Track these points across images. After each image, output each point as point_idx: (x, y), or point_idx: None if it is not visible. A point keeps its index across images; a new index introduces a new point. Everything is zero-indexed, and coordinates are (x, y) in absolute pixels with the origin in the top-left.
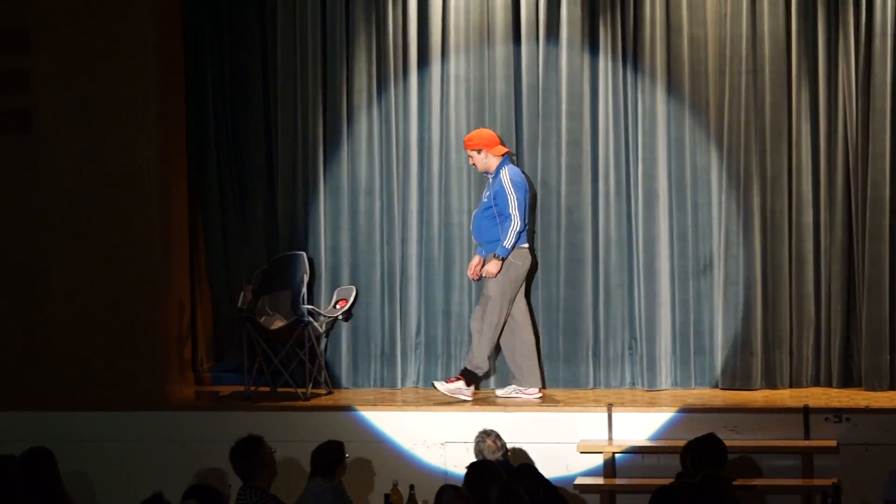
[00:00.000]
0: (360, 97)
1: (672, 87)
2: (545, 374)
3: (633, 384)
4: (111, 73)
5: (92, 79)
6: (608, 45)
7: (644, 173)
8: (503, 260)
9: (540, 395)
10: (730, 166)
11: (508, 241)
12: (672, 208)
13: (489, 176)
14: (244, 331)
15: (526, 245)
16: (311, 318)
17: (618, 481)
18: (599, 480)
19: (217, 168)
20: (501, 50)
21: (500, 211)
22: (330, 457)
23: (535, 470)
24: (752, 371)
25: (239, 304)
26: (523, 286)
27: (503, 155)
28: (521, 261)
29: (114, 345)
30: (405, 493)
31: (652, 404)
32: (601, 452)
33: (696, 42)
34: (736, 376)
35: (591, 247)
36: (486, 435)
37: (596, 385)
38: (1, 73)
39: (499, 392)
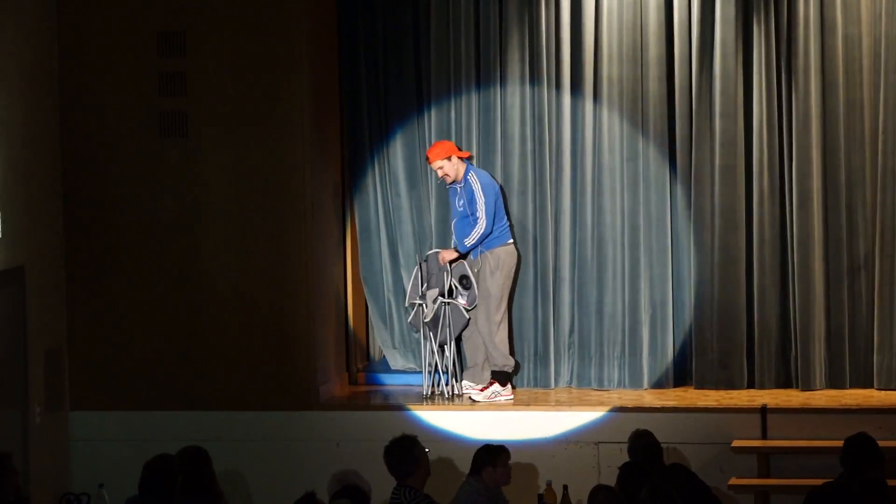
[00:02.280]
0: (514, 98)
1: (826, 87)
2: (698, 374)
3: (787, 384)
4: (265, 71)
5: (246, 78)
6: (762, 45)
7: (798, 173)
8: (460, 255)
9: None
10: (885, 166)
11: (470, 241)
12: (826, 208)
13: (458, 185)
14: (427, 327)
15: (511, 241)
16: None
17: (772, 481)
18: (753, 481)
19: (370, 166)
20: (654, 50)
21: (472, 212)
22: (481, 458)
23: (688, 470)
24: None
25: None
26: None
27: (468, 159)
28: (510, 257)
29: (269, 345)
30: (559, 492)
31: (806, 404)
32: (755, 453)
33: (851, 41)
34: (892, 377)
35: (744, 247)
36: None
37: (750, 385)
38: (159, 76)
39: (474, 397)
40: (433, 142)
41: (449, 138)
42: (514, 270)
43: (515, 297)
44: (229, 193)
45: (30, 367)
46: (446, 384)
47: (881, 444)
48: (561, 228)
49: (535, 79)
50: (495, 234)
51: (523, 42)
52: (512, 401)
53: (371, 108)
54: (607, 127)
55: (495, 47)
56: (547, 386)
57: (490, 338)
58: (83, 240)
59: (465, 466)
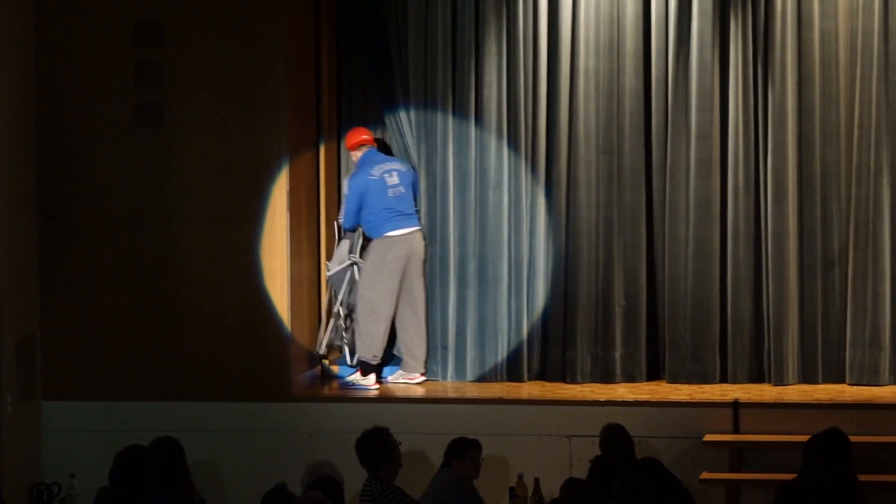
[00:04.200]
0: (490, 90)
1: (802, 81)
2: (671, 368)
3: (759, 379)
4: (243, 62)
5: (224, 69)
6: (738, 39)
7: (773, 167)
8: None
9: (422, 379)
10: (860, 160)
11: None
12: (801, 202)
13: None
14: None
15: (389, 233)
16: None
17: (743, 476)
18: (725, 475)
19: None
20: (631, 43)
21: None
22: (452, 451)
23: (659, 463)
24: (880, 366)
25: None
26: (409, 275)
27: (371, 146)
28: (381, 250)
29: (243, 336)
30: (530, 485)
31: (779, 399)
32: (727, 447)
33: (827, 35)
34: (864, 372)
35: (719, 241)
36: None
37: (723, 379)
38: (136, 66)
39: (389, 378)
40: (410, 135)
41: (425, 130)
42: (389, 264)
43: (489, 289)
44: (206, 184)
45: (2, 356)
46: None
47: (853, 439)
48: (535, 221)
49: (511, 71)
50: (367, 227)
51: (500, 35)
52: (377, 391)
53: (350, 101)
54: (583, 120)
55: (472, 40)
56: (519, 379)
57: (359, 325)
58: (58, 229)
59: (437, 459)
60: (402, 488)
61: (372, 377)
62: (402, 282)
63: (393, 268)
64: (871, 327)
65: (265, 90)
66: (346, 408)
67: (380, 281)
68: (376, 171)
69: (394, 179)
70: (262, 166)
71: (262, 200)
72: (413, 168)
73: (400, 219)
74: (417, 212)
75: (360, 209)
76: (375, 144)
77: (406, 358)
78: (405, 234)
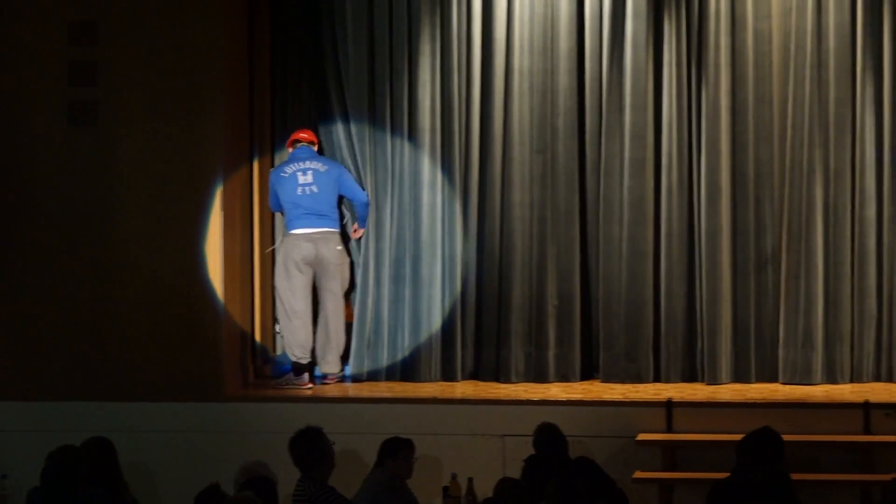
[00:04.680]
0: (424, 90)
1: (736, 81)
2: (605, 367)
3: (693, 378)
4: (179, 62)
5: (159, 68)
6: (673, 39)
7: (707, 166)
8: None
9: (310, 385)
10: (793, 160)
11: None
12: (734, 202)
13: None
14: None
15: (291, 232)
16: None
17: (676, 475)
18: (658, 474)
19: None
20: (565, 43)
21: None
22: (385, 450)
23: (594, 463)
24: (812, 366)
25: None
26: (320, 276)
27: (306, 142)
28: (287, 248)
29: (178, 337)
30: (464, 485)
31: (712, 398)
32: (660, 446)
33: (761, 35)
34: (796, 371)
35: (653, 240)
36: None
37: (656, 379)
38: (69, 65)
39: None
40: (345, 136)
41: (360, 131)
42: (293, 262)
43: (423, 289)
44: (141, 183)
45: None
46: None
47: (785, 438)
48: (469, 220)
49: (445, 71)
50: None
51: (434, 34)
52: (310, 391)
53: (280, 102)
54: (517, 119)
55: (405, 39)
56: (453, 378)
57: (278, 323)
58: None
59: (370, 459)
60: (336, 488)
61: (305, 376)
62: (316, 281)
63: (298, 266)
64: (804, 326)
65: (201, 90)
66: (280, 408)
67: (287, 278)
68: (290, 168)
69: (307, 178)
70: (198, 166)
71: (197, 200)
72: (347, 170)
73: (308, 218)
74: (366, 204)
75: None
76: (312, 144)
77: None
78: (309, 234)
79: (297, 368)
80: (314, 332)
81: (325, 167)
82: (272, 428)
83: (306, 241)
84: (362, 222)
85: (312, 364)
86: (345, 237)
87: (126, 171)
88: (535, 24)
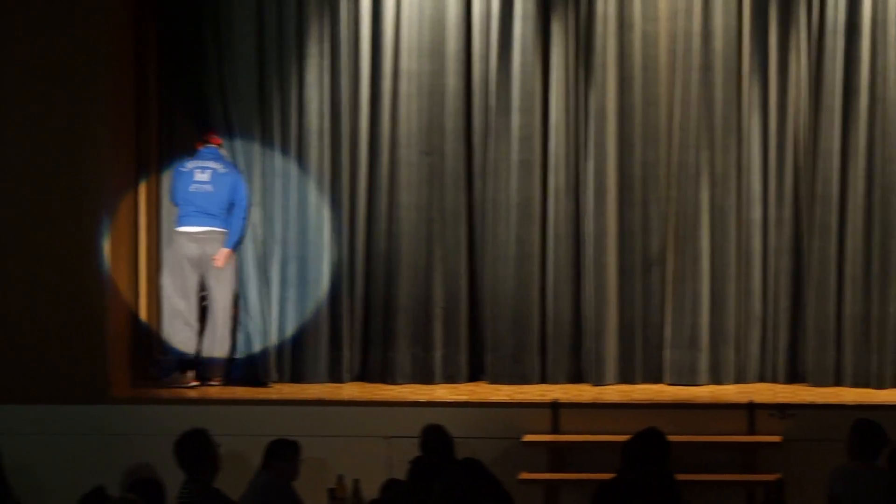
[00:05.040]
0: (312, 91)
1: (624, 83)
2: (491, 369)
3: (579, 379)
4: (61, 63)
5: (40, 70)
6: (560, 41)
7: (595, 169)
8: None
9: (195, 383)
10: (680, 162)
11: None
12: (621, 204)
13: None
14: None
15: (182, 228)
16: None
17: (562, 476)
18: (544, 475)
19: (165, 164)
20: (453, 45)
21: None
22: (271, 452)
23: (480, 464)
24: (697, 367)
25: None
26: (206, 276)
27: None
28: (174, 245)
29: (61, 338)
30: (350, 486)
31: (598, 399)
32: (546, 447)
33: (649, 38)
34: (682, 372)
35: (539, 242)
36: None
37: (542, 380)
38: None
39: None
40: (233, 137)
41: (250, 131)
42: (177, 259)
43: (310, 291)
44: (23, 185)
45: None
46: None
47: (671, 438)
48: (357, 222)
49: (334, 73)
50: None
51: (321, 35)
52: (194, 388)
53: (165, 106)
54: (405, 121)
55: (294, 41)
56: (340, 380)
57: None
58: None
59: (256, 461)
60: (221, 490)
61: (189, 374)
62: (203, 281)
63: (181, 264)
64: (690, 328)
65: (85, 92)
66: (167, 410)
67: (171, 276)
68: (190, 164)
69: (203, 176)
70: (81, 168)
71: (80, 202)
72: (244, 181)
73: (196, 216)
74: (243, 219)
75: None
76: (220, 147)
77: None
78: (193, 233)
79: (181, 367)
80: (201, 332)
81: (225, 170)
82: (158, 430)
83: (191, 241)
84: (233, 238)
85: (198, 363)
86: None
87: (7, 172)
88: (423, 25)
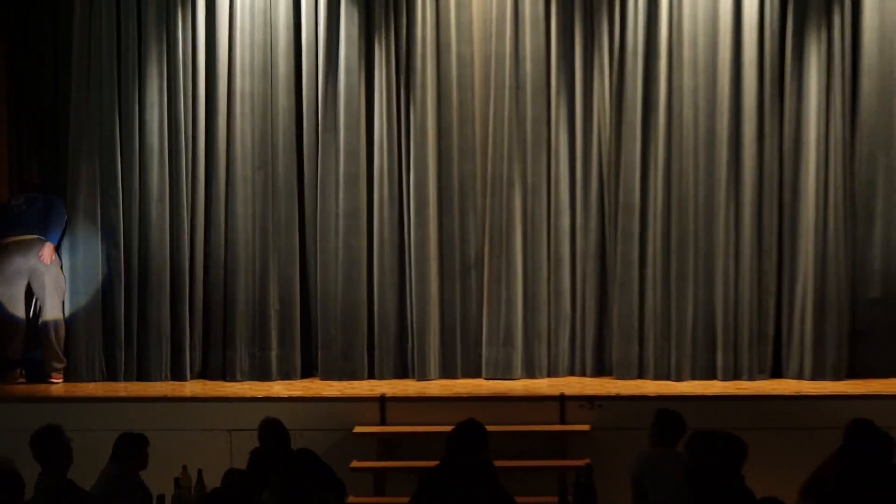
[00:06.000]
0: (153, 110)
1: (441, 101)
2: (323, 366)
3: (404, 375)
4: None
5: None
6: (383, 63)
7: (416, 181)
8: None
9: (22, 380)
10: (494, 174)
11: None
12: (441, 213)
13: None
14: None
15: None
16: None
17: (389, 464)
18: (373, 463)
19: (12, 173)
20: (284, 67)
21: None
22: (123, 446)
23: (314, 454)
24: (513, 362)
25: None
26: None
27: None
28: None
29: None
30: (194, 476)
31: (422, 393)
32: (375, 438)
33: (464, 60)
34: (498, 367)
35: (366, 249)
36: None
37: (371, 376)
38: None
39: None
40: (80, 153)
41: (89, 150)
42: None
43: (153, 296)
44: None
45: None
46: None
47: (489, 428)
48: (196, 232)
49: (172, 93)
50: None
51: (161, 58)
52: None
53: (11, 115)
54: (240, 138)
55: (134, 61)
56: (182, 378)
57: None
58: None
59: (106, 453)
60: (74, 481)
61: (17, 372)
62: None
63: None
64: (505, 327)
65: None
66: (22, 407)
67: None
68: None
69: (19, 200)
70: None
71: None
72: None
73: (19, 227)
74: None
75: None
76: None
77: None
78: (18, 241)
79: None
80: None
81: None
82: (14, 426)
83: (17, 250)
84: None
85: (29, 361)
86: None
87: None
88: (255, 49)
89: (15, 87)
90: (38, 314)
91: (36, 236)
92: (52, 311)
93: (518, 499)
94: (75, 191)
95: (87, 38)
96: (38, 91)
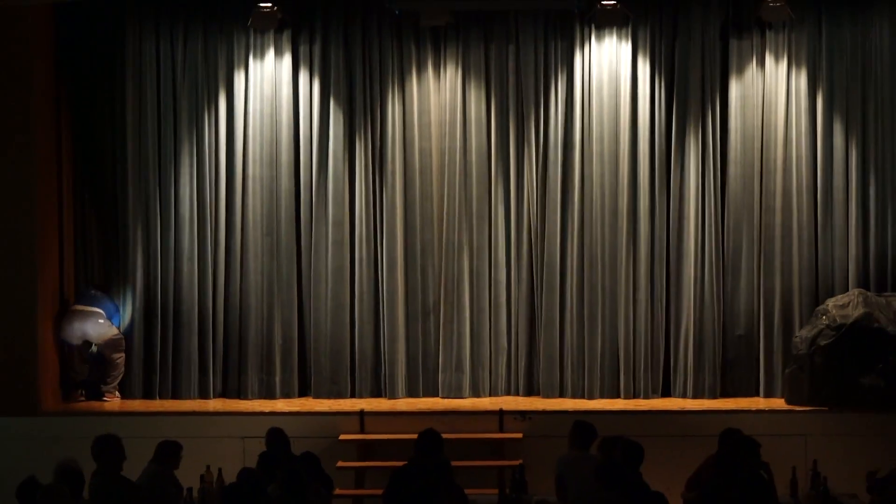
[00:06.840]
0: (185, 189)
1: (407, 183)
2: (316, 387)
3: (378, 394)
4: None
5: None
6: (362, 153)
7: (387, 244)
8: None
9: (83, 398)
10: (448, 240)
11: None
12: (407, 270)
13: None
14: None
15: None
16: None
17: (368, 463)
18: (355, 463)
19: (76, 207)
20: (286, 157)
21: None
22: (161, 450)
23: (316, 457)
24: (462, 384)
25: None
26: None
27: None
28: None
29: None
30: (215, 473)
31: (392, 409)
32: (356, 443)
33: (424, 152)
34: (451, 388)
35: (349, 297)
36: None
37: (353, 395)
38: None
39: None
40: (129, 221)
41: (134, 218)
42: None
43: (184, 329)
44: None
45: None
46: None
47: (445, 436)
48: (218, 282)
49: (200, 175)
50: None
51: (192, 147)
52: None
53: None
54: (251, 210)
55: (171, 150)
56: (207, 396)
57: None
58: None
59: (149, 455)
60: (125, 476)
61: (80, 392)
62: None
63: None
64: (456, 357)
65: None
66: (81, 420)
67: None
68: None
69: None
70: (17, 191)
71: (16, 221)
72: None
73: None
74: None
75: None
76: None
77: None
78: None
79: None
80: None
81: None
82: (78, 435)
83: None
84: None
85: (89, 384)
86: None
87: None
88: (263, 143)
89: (80, 177)
90: (98, 346)
91: (97, 310)
92: (108, 346)
93: (467, 490)
94: (125, 249)
95: (138, 135)
96: (100, 176)
